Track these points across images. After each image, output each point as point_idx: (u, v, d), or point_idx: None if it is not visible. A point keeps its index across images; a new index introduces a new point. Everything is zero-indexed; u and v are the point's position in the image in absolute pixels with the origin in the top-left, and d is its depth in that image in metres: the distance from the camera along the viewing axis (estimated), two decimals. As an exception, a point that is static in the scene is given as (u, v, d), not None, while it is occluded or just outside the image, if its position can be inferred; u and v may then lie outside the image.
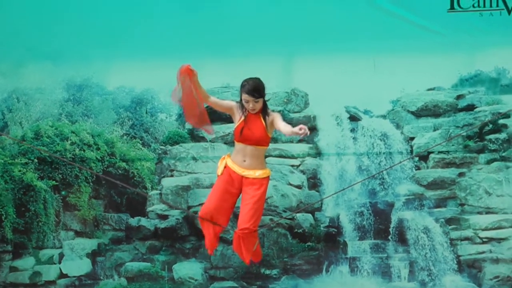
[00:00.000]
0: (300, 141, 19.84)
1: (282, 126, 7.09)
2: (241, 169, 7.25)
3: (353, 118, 20.13)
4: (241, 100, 7.18)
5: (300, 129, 6.73)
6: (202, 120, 7.36)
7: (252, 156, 7.24)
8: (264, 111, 7.19)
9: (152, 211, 18.44)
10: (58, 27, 21.45)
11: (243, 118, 7.15)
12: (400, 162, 18.80)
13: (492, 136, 18.73)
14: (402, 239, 17.87)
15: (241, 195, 7.42)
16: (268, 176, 7.42)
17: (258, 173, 7.29)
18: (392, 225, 18.05)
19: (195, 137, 19.79)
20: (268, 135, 7.20)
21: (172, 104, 22.52)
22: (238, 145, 7.25)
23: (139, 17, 20.92)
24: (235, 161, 7.28)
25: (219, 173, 7.34)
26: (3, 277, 17.41)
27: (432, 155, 18.96)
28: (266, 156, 17.97)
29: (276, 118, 7.18)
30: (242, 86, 7.11)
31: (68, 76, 23.21)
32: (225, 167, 7.34)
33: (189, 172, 18.79)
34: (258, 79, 7.21)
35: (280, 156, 19.05)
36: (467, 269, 17.45)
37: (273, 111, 7.39)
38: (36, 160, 17.84)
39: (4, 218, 16.93)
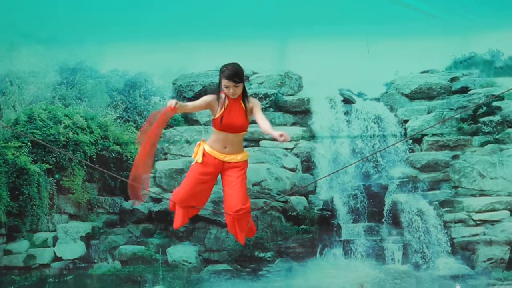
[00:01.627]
0: (294, 124, 19.84)
1: (261, 121, 7.08)
2: (222, 155, 7.24)
3: (347, 101, 20.13)
4: (219, 87, 7.15)
5: (281, 135, 6.75)
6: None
7: (234, 142, 7.25)
8: (244, 96, 7.17)
9: (146, 194, 18.40)
10: (52, 10, 21.40)
11: (223, 108, 7.11)
12: (393, 144, 18.83)
13: (486, 119, 18.74)
14: (395, 222, 17.91)
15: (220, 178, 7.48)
16: (247, 158, 7.47)
17: (240, 157, 7.32)
18: (386, 208, 18.08)
19: (189, 120, 19.79)
20: (248, 121, 7.19)
21: (165, 87, 22.52)
22: (219, 134, 7.20)
23: (132, 1, 20.87)
24: (215, 147, 7.25)
25: (199, 161, 7.32)
26: (-3, 260, 17.43)
27: (425, 138, 18.98)
28: (259, 139, 17.99)
29: (256, 107, 7.16)
30: (222, 72, 7.05)
31: (61, 60, 23.15)
32: (203, 154, 7.33)
33: (182, 155, 18.77)
34: (237, 64, 7.14)
35: (274, 139, 19.00)
36: (460, 251, 17.51)
37: (251, 95, 7.38)
38: (29, 144, 17.79)
39: (-3, 201, 16.93)
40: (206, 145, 7.31)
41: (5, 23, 21.25)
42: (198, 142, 7.40)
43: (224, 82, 6.99)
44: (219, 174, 7.43)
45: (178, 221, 7.71)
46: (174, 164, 18.39)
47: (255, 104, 7.17)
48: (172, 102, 6.73)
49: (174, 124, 19.66)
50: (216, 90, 7.21)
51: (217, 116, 7.12)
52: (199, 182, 7.33)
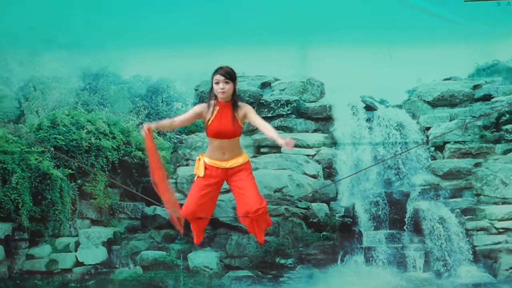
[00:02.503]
0: (315, 130, 19.83)
1: (263, 128, 7.13)
2: (223, 162, 7.31)
3: (369, 108, 20.10)
4: (210, 94, 7.25)
5: (287, 144, 6.78)
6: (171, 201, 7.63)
7: (230, 148, 7.30)
8: (234, 103, 7.21)
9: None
10: (75, 16, 21.55)
11: (213, 115, 7.17)
12: (410, 149, 18.76)
13: (508, 126, 18.64)
14: (417, 229, 17.82)
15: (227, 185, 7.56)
16: (249, 159, 7.54)
17: (241, 159, 7.39)
18: (407, 215, 18.00)
19: (210, 126, 19.80)
20: (240, 126, 7.22)
21: (187, 93, 22.60)
22: (214, 141, 7.27)
23: (155, 7, 20.96)
24: (214, 157, 7.32)
25: (202, 175, 7.38)
26: (20, 265, 17.52)
27: (448, 145, 18.91)
28: (280, 146, 17.98)
29: (250, 113, 7.20)
30: (214, 71, 7.17)
31: (84, 65, 23.32)
32: (205, 168, 7.40)
33: (204, 161, 18.79)
34: (231, 67, 7.28)
35: (296, 146, 18.97)
36: (482, 259, 17.39)
37: (241, 100, 7.44)
38: (52, 149, 17.91)
39: (20, 206, 17.02)
40: (206, 158, 7.38)
41: (28, 29, 21.44)
42: (197, 157, 7.47)
43: (215, 78, 7.10)
44: (224, 182, 7.51)
45: (197, 237, 7.88)
46: (196, 170, 18.42)
47: (248, 110, 7.22)
48: (144, 128, 6.96)
49: (196, 130, 19.71)
50: (207, 99, 7.31)
51: (208, 124, 7.19)
52: (204, 195, 7.42)
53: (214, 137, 7.24)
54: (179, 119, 7.32)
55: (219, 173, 7.36)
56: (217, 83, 7.10)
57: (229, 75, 7.12)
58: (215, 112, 7.16)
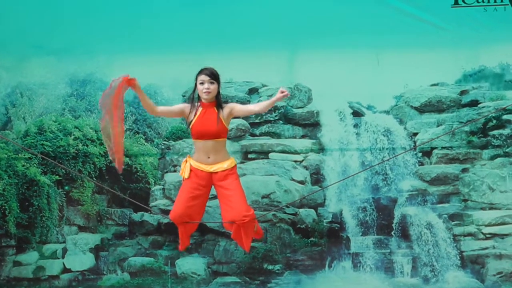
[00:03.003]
0: (303, 136, 19.84)
1: (252, 107, 7.17)
2: (208, 166, 7.31)
3: (356, 114, 20.12)
4: (193, 94, 7.26)
5: (282, 91, 6.79)
6: (118, 149, 7.52)
7: (215, 150, 7.30)
8: (218, 104, 7.24)
9: (155, 206, 18.44)
10: (62, 22, 21.44)
11: (196, 116, 7.18)
12: (397, 155, 18.79)
13: (495, 132, 18.71)
14: (405, 235, 17.86)
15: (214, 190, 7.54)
16: (235, 164, 7.51)
17: (226, 164, 7.39)
18: (395, 221, 18.04)
19: (198, 132, 19.77)
20: (225, 127, 7.24)
21: (175, 99, 22.51)
22: (198, 143, 7.29)
23: (142, 12, 20.90)
24: (199, 160, 7.33)
25: (186, 176, 7.37)
26: (7, 272, 17.46)
27: (435, 151, 18.96)
28: (268, 152, 17.98)
29: (236, 107, 7.24)
30: (198, 72, 7.19)
31: (71, 71, 23.20)
32: (190, 170, 7.38)
33: (192, 167, 18.76)
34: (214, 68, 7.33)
35: (283, 151, 19.05)
36: (470, 265, 17.44)
37: (226, 102, 7.46)
38: (39, 155, 17.85)
39: (7, 212, 16.97)
40: (192, 160, 7.38)
41: (15, 35, 21.33)
42: (184, 159, 7.47)
43: (200, 78, 7.15)
44: (212, 187, 7.49)
45: (182, 243, 7.85)
46: (183, 176, 18.39)
47: (232, 106, 7.26)
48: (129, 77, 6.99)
49: (184, 136, 19.69)
50: (190, 99, 7.33)
51: (191, 124, 7.20)
52: (192, 197, 7.40)
53: (198, 137, 7.25)
54: (162, 107, 7.36)
55: (204, 176, 7.35)
56: (202, 83, 7.14)
57: (214, 75, 7.18)
58: (198, 113, 7.18)
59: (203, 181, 7.32)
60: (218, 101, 7.20)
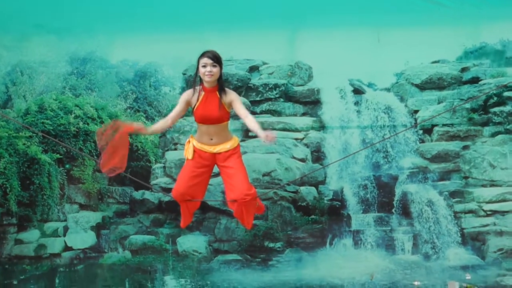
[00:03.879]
0: (304, 114, 19.83)
1: (244, 116, 7.10)
2: (211, 147, 7.29)
3: (357, 91, 20.09)
4: (195, 78, 7.23)
5: (267, 137, 6.76)
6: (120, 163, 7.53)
7: (217, 133, 7.27)
8: (220, 88, 7.20)
9: (156, 184, 18.46)
10: (62, 0, 21.43)
11: (199, 101, 7.16)
12: (398, 132, 18.80)
13: (496, 109, 18.68)
14: (406, 212, 17.87)
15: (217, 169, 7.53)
16: (238, 143, 7.49)
17: (229, 145, 7.35)
18: (396, 198, 18.05)
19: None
20: (227, 111, 7.20)
21: (175, 77, 22.54)
22: (201, 126, 7.26)
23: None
24: (202, 141, 7.31)
25: (190, 157, 7.37)
26: (8, 250, 17.51)
27: (436, 128, 18.95)
28: (269, 129, 17.95)
29: (235, 102, 7.17)
30: (201, 55, 7.14)
31: (71, 50, 23.22)
32: (194, 150, 7.38)
33: (193, 145, 18.76)
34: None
35: (284, 129, 19.04)
36: (470, 241, 17.46)
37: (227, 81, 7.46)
38: (40, 133, 17.85)
39: (9, 191, 16.98)
40: (195, 141, 7.36)
41: (16, 14, 21.32)
42: (187, 139, 7.45)
43: (202, 61, 7.06)
44: (214, 166, 7.48)
45: (184, 221, 7.83)
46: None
47: (234, 99, 7.18)
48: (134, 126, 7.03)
49: (184, 114, 19.68)
50: (192, 83, 7.30)
51: (194, 108, 7.18)
52: (194, 175, 7.38)
53: (201, 122, 7.23)
54: (171, 116, 7.30)
55: (208, 156, 7.35)
56: (204, 66, 7.07)
57: (217, 58, 7.11)
58: (200, 98, 7.14)
59: (207, 161, 7.32)
60: (220, 85, 7.17)
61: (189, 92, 7.21)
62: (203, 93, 7.15)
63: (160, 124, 7.34)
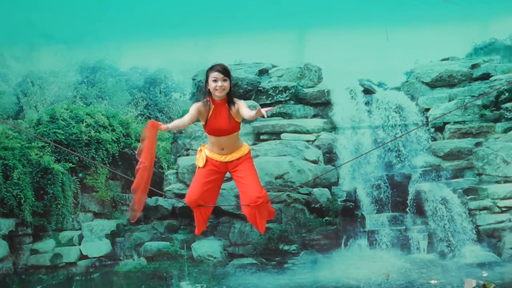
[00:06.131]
0: (314, 116, 19.81)
1: (245, 113, 7.14)
2: (222, 156, 7.38)
3: (367, 91, 20.07)
4: (205, 91, 7.26)
5: (259, 111, 6.78)
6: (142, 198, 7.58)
7: (228, 143, 7.36)
8: (229, 100, 7.23)
9: (169, 190, 18.48)
10: (71, 10, 21.52)
11: (209, 114, 7.19)
12: (407, 133, 18.76)
13: (508, 105, 18.61)
14: (420, 211, 17.82)
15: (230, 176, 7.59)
16: (249, 150, 7.55)
17: (239, 154, 7.43)
18: (409, 197, 18.00)
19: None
20: (237, 122, 7.24)
21: (185, 83, 22.57)
22: (212, 138, 7.33)
23: (151, -1, 20.94)
24: (213, 151, 7.39)
25: (201, 165, 7.43)
26: (24, 260, 17.56)
27: (448, 126, 18.89)
28: (280, 132, 17.93)
29: (241, 106, 7.21)
30: (210, 68, 7.16)
31: (81, 59, 23.31)
32: (206, 160, 7.43)
33: (204, 151, 18.78)
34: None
35: (295, 131, 19.04)
36: (486, 238, 17.39)
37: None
38: (52, 143, 17.93)
39: (23, 201, 17.05)
40: (207, 150, 7.45)
41: (25, 24, 21.41)
42: (199, 148, 7.51)
43: (213, 75, 7.10)
44: (226, 173, 7.55)
45: (198, 228, 7.88)
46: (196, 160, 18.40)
47: (240, 105, 7.22)
48: (158, 125, 7.05)
49: (195, 120, 19.70)
50: (202, 96, 7.34)
51: (205, 121, 7.22)
52: (207, 182, 7.45)
53: (212, 134, 7.29)
54: (187, 117, 7.33)
55: (219, 165, 7.42)
56: (215, 80, 7.09)
57: (227, 72, 7.15)
58: (211, 111, 7.18)
59: (218, 168, 7.38)
60: (230, 98, 7.19)
61: (199, 104, 7.25)
62: (213, 106, 7.19)
63: (178, 122, 7.35)
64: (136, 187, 7.36)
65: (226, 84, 7.12)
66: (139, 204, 7.54)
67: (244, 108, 7.16)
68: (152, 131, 7.14)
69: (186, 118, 7.28)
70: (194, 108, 7.24)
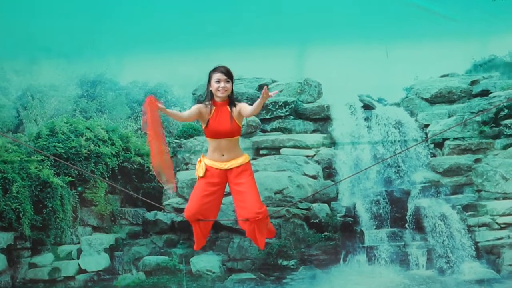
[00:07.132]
0: (314, 131, 19.82)
1: (250, 108, 7.16)
2: (222, 164, 7.34)
3: (367, 107, 20.09)
4: (206, 94, 7.28)
5: (264, 92, 6.81)
6: (167, 166, 7.48)
7: (228, 148, 7.33)
8: (230, 102, 7.26)
9: (169, 204, 18.46)
10: (71, 24, 21.54)
11: (210, 115, 7.21)
12: (407, 149, 18.77)
13: (507, 121, 18.64)
14: (419, 227, 17.82)
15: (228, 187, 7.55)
16: (249, 160, 7.54)
17: (240, 160, 7.40)
18: (408, 213, 18.00)
19: (209, 130, 19.78)
20: (238, 125, 7.25)
21: (185, 97, 22.57)
22: (212, 142, 7.32)
23: (151, 13, 20.98)
24: (213, 158, 7.36)
25: (201, 175, 7.40)
26: (23, 274, 17.52)
27: (447, 142, 18.91)
28: (280, 147, 17.95)
29: (243, 107, 7.24)
30: (213, 70, 7.20)
31: (81, 73, 23.32)
32: (206, 169, 7.41)
33: (204, 165, 18.77)
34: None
35: (295, 146, 19.04)
36: (485, 255, 17.38)
37: (237, 100, 7.47)
38: (52, 157, 17.92)
39: (22, 215, 17.02)
40: (206, 159, 7.42)
41: (25, 38, 21.44)
42: (198, 159, 7.49)
43: (215, 76, 7.15)
44: (226, 185, 7.50)
45: (198, 243, 7.83)
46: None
47: (241, 106, 7.26)
48: (153, 101, 7.00)
49: (195, 134, 19.71)
50: (204, 99, 7.36)
51: (205, 123, 7.23)
52: (206, 194, 7.41)
53: (213, 137, 7.28)
54: (185, 113, 7.35)
55: (219, 174, 7.37)
56: (218, 81, 7.14)
57: (230, 74, 7.20)
58: (212, 112, 7.20)
59: (218, 179, 7.33)
60: (231, 99, 7.22)
61: (200, 105, 7.28)
62: (214, 107, 7.21)
63: (176, 111, 7.37)
64: (154, 161, 7.30)
65: (229, 85, 7.17)
66: (167, 174, 7.43)
67: (246, 107, 7.18)
68: (151, 106, 7.11)
69: (185, 112, 7.32)
70: (195, 107, 7.28)
